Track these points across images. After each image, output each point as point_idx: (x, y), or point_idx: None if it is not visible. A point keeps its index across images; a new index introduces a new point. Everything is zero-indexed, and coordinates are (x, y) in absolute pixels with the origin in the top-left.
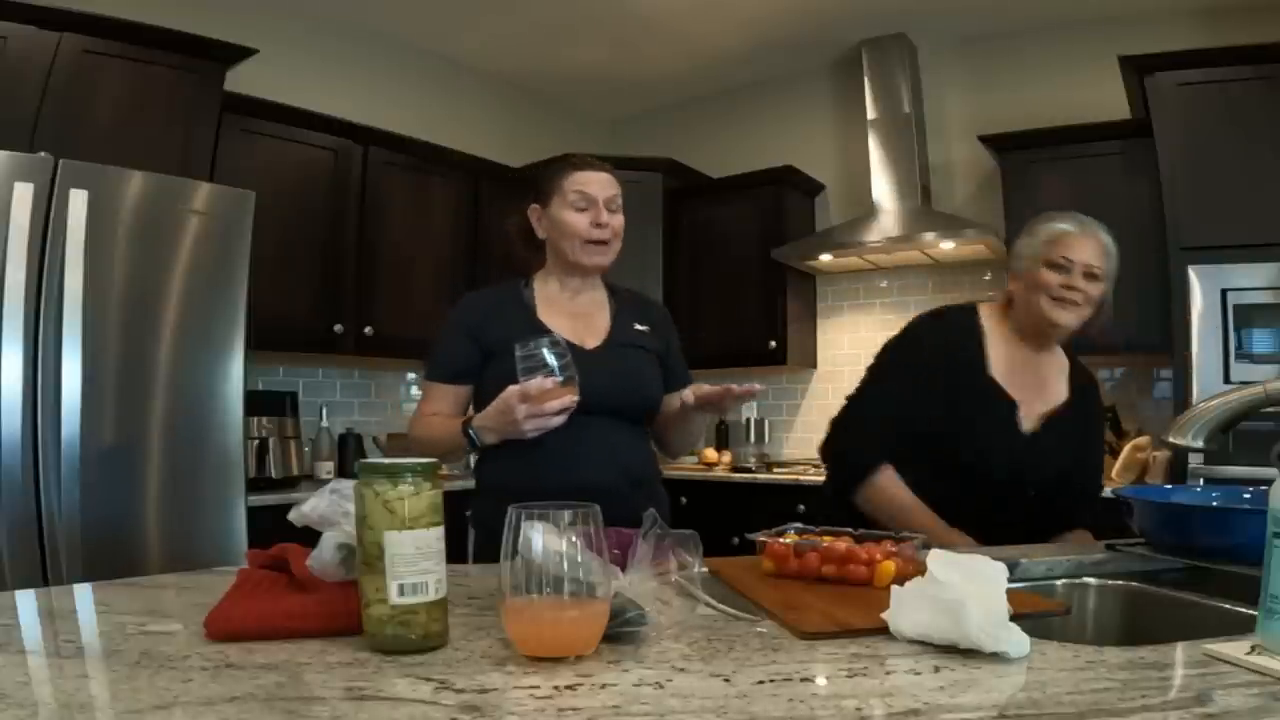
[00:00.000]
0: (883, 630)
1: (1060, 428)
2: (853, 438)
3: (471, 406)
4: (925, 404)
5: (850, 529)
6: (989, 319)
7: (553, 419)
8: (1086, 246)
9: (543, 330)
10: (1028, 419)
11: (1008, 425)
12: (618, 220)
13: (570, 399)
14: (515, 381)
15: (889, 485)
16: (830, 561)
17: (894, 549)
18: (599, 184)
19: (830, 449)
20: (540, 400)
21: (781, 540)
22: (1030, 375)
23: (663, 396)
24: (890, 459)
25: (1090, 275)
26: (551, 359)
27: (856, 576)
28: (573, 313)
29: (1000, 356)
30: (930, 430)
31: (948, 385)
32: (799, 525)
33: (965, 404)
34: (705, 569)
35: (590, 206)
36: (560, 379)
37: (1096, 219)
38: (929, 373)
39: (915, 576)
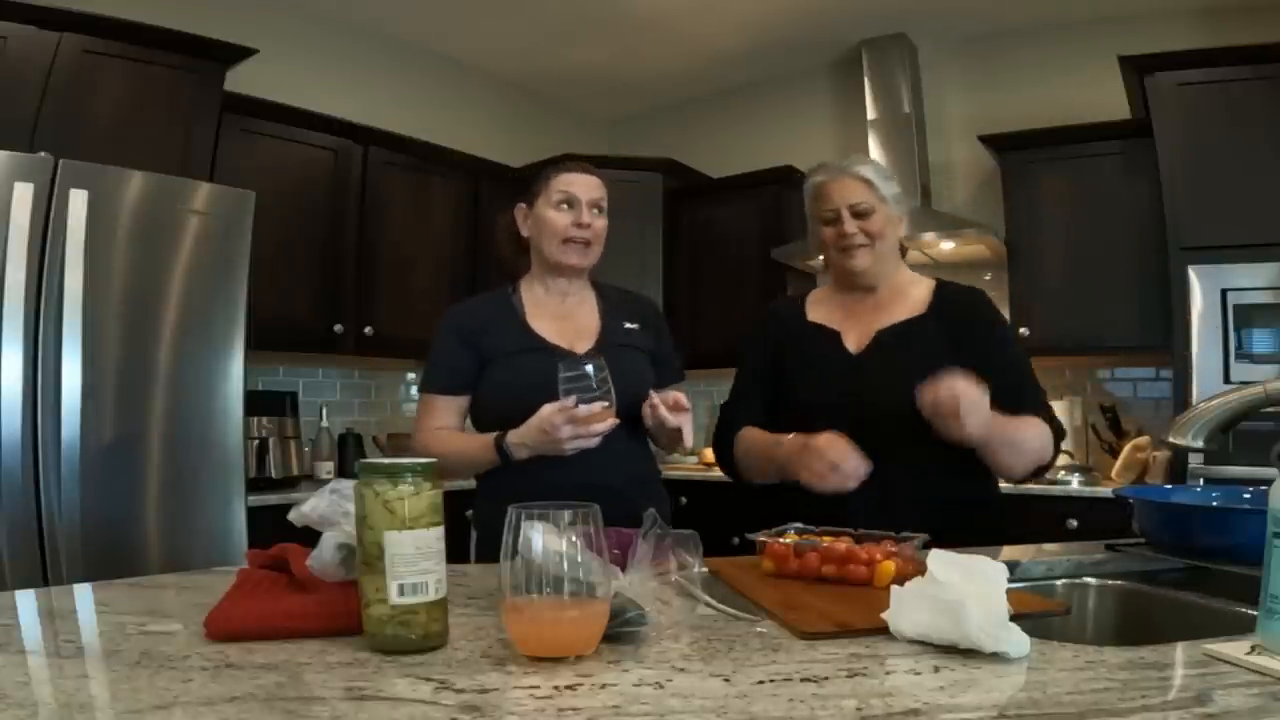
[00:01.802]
0: (883, 630)
1: (901, 339)
2: (721, 428)
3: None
4: (763, 369)
5: (850, 529)
6: (816, 290)
7: (592, 440)
8: (842, 189)
9: (536, 337)
10: (856, 341)
11: (832, 350)
12: (600, 223)
13: (612, 422)
14: (512, 389)
15: (743, 436)
16: (830, 561)
17: (894, 549)
18: (584, 185)
19: (714, 450)
20: (586, 423)
21: (781, 540)
22: (857, 307)
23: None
24: (759, 425)
25: (859, 213)
26: (596, 384)
27: (856, 576)
28: (561, 316)
29: (821, 308)
30: (775, 388)
31: (774, 343)
32: (799, 525)
33: (790, 350)
34: (705, 569)
35: (574, 206)
36: (606, 403)
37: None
38: (758, 342)
39: (915, 576)
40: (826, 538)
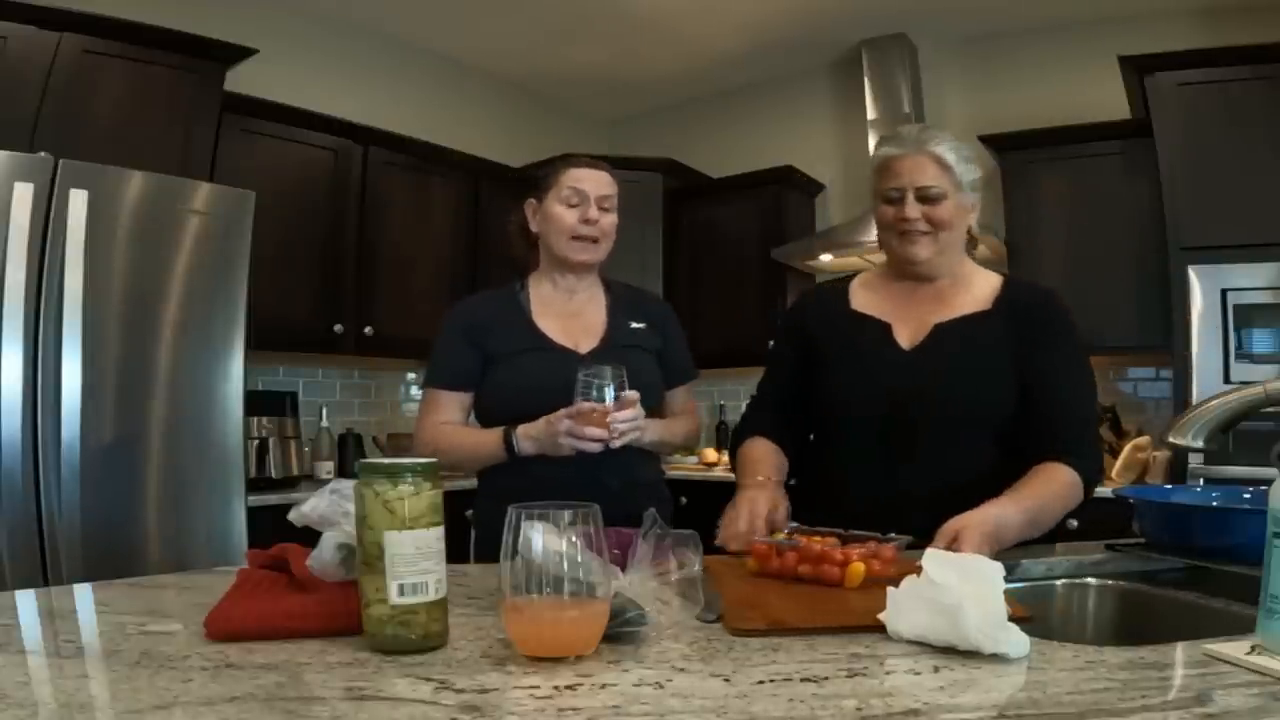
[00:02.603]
0: (825, 629)
1: (961, 336)
2: (737, 429)
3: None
4: (781, 368)
5: (839, 530)
6: (865, 273)
7: (589, 444)
8: (912, 167)
9: (540, 336)
10: (909, 335)
11: (880, 344)
12: (609, 219)
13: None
14: (515, 388)
15: (746, 448)
16: (806, 561)
17: (872, 550)
18: (593, 182)
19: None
20: (582, 422)
21: (762, 539)
22: (912, 297)
23: (663, 394)
24: (767, 432)
25: (926, 197)
26: (610, 391)
27: (829, 577)
28: (567, 314)
29: (868, 296)
30: (801, 385)
31: (806, 336)
32: (794, 524)
33: (829, 342)
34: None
35: (582, 203)
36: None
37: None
38: (778, 339)
39: (891, 578)
40: (815, 538)
